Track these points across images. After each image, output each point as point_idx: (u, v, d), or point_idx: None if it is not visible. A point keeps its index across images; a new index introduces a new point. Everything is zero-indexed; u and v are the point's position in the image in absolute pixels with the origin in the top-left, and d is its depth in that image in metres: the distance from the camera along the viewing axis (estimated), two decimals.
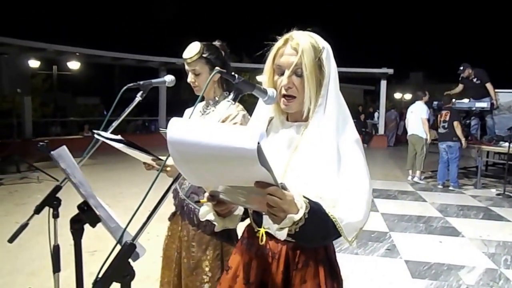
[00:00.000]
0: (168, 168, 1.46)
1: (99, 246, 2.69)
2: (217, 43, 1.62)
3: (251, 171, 0.69)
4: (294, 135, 1.00)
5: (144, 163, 1.58)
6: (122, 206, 4.17)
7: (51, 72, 14.58)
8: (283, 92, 0.96)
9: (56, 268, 1.30)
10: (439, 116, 6.07)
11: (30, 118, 8.63)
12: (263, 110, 1.07)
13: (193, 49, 1.53)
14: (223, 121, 1.54)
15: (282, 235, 0.81)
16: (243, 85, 0.91)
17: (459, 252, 3.40)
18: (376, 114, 14.18)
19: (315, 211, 0.82)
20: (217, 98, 1.61)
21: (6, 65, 5.95)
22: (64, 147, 0.98)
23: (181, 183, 1.62)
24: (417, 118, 6.31)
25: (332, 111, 0.95)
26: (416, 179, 6.48)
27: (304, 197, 0.83)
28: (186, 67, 1.57)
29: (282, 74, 0.96)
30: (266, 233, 0.98)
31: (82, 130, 11.81)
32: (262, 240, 0.96)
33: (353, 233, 0.93)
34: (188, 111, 1.74)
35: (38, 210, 1.16)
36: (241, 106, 1.57)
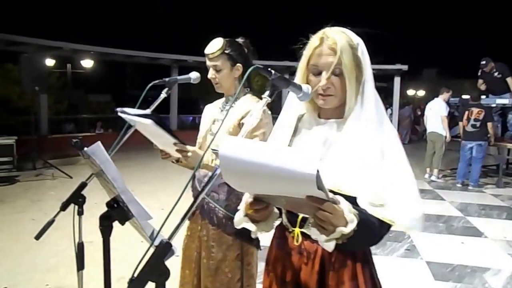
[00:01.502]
0: (190, 154, 1.41)
1: (111, 245, 2.67)
2: (240, 40, 1.60)
3: (305, 189, 0.69)
4: (330, 132, 0.98)
5: (161, 151, 1.53)
6: None
7: (65, 70, 14.81)
8: (320, 91, 0.94)
9: (80, 265, 1.28)
10: (467, 113, 5.82)
11: (46, 115, 8.78)
12: (293, 106, 1.05)
13: (215, 45, 1.52)
14: (242, 117, 1.51)
15: (330, 246, 0.79)
16: (278, 81, 0.90)
17: (483, 254, 3.29)
18: (388, 111, 13.98)
19: (364, 222, 0.81)
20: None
21: (25, 64, 6.07)
22: (99, 143, 0.96)
23: (200, 181, 1.59)
24: (436, 115, 6.17)
25: (371, 107, 0.94)
26: (433, 177, 6.34)
27: (354, 207, 0.80)
28: (207, 62, 1.55)
29: (318, 73, 0.94)
30: (301, 232, 0.95)
31: (94, 127, 11.97)
32: (297, 241, 0.95)
33: (416, 223, 0.90)
34: (208, 107, 1.72)
35: (64, 207, 1.14)
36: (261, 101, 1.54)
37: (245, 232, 1.44)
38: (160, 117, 1.27)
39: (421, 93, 22.61)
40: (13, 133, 6.07)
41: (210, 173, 1.56)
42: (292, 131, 1.04)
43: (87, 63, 11.60)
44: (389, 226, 0.89)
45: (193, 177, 1.70)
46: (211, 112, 1.69)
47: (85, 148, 0.97)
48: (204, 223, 1.57)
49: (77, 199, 1.20)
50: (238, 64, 1.54)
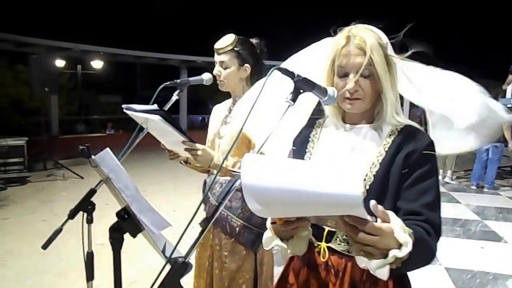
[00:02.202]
0: (200, 152, 1.33)
1: (122, 249, 2.62)
2: (254, 40, 1.54)
3: (346, 210, 0.62)
4: (357, 139, 0.90)
5: (169, 151, 1.46)
6: None
7: (76, 71, 14.95)
8: (347, 95, 0.86)
9: (90, 276, 1.21)
10: None
11: (56, 116, 8.86)
12: (299, 109, 0.98)
13: (226, 40, 1.46)
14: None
15: (383, 274, 0.67)
16: (302, 84, 0.82)
17: (504, 260, 3.15)
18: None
19: (419, 241, 0.70)
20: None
21: (35, 65, 6.11)
22: (108, 149, 0.89)
23: (211, 187, 1.52)
24: None
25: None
26: (447, 179, 6.19)
27: (405, 224, 0.70)
28: (215, 57, 1.48)
29: (344, 75, 0.87)
30: (328, 247, 0.87)
31: (105, 128, 12.04)
32: (324, 257, 0.87)
33: None
34: (216, 108, 1.67)
35: (72, 215, 1.08)
36: None
37: (258, 242, 1.37)
38: (169, 113, 1.19)
39: None
40: (24, 134, 6.12)
41: (221, 179, 1.50)
42: (296, 130, 0.98)
43: (97, 64, 11.67)
44: (439, 237, 0.81)
45: (205, 183, 1.63)
46: (219, 113, 1.62)
47: (93, 156, 0.90)
48: (216, 231, 1.50)
49: (86, 206, 1.13)
50: (246, 65, 1.47)
